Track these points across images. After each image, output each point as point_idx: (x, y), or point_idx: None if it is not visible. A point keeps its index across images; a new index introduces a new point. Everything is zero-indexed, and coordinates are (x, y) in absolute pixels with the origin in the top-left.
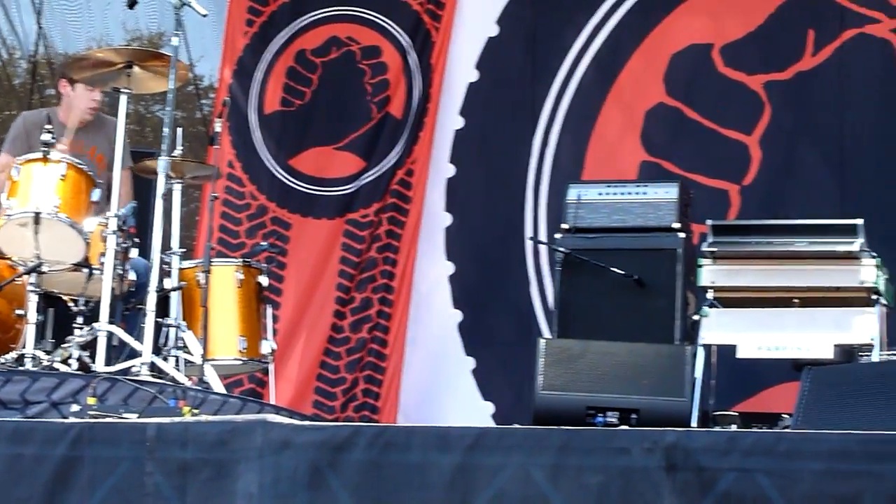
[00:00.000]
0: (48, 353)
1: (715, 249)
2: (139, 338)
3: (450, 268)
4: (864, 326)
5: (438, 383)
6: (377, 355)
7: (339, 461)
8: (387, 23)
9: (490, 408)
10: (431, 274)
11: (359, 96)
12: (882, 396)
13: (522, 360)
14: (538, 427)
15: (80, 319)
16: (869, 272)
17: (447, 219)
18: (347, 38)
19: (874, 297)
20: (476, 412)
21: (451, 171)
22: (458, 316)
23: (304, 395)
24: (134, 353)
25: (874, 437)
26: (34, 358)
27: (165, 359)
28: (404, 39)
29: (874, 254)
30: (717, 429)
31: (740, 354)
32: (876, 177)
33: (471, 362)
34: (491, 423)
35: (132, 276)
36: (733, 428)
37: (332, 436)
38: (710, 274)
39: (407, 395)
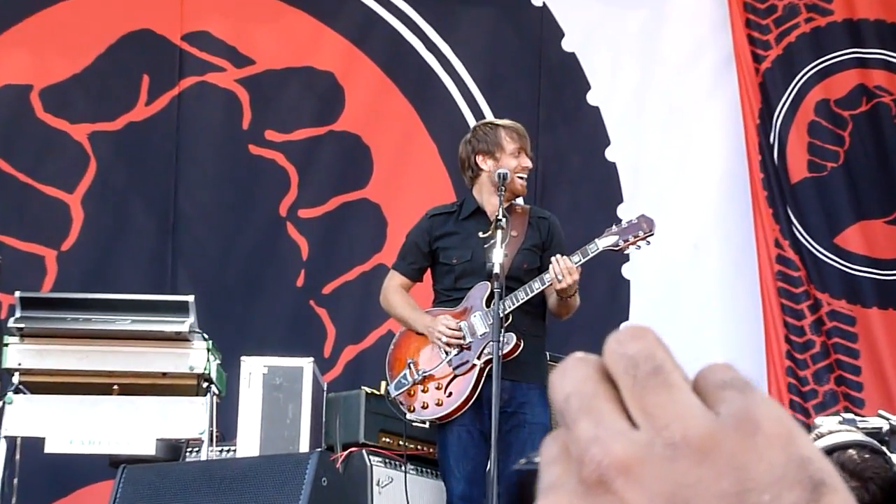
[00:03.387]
0: None
1: (23, 325)
2: None
3: None
4: (192, 418)
5: None
6: None
7: None
8: None
9: None
10: None
11: None
12: (208, 498)
13: None
14: None
15: None
16: (199, 357)
17: None
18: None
19: (205, 384)
20: None
21: None
22: None
23: None
24: None
25: None
26: None
27: None
28: None
29: (206, 335)
30: None
31: (49, 448)
32: (211, 243)
33: None
34: None
35: None
36: None
37: None
38: (17, 354)
39: None
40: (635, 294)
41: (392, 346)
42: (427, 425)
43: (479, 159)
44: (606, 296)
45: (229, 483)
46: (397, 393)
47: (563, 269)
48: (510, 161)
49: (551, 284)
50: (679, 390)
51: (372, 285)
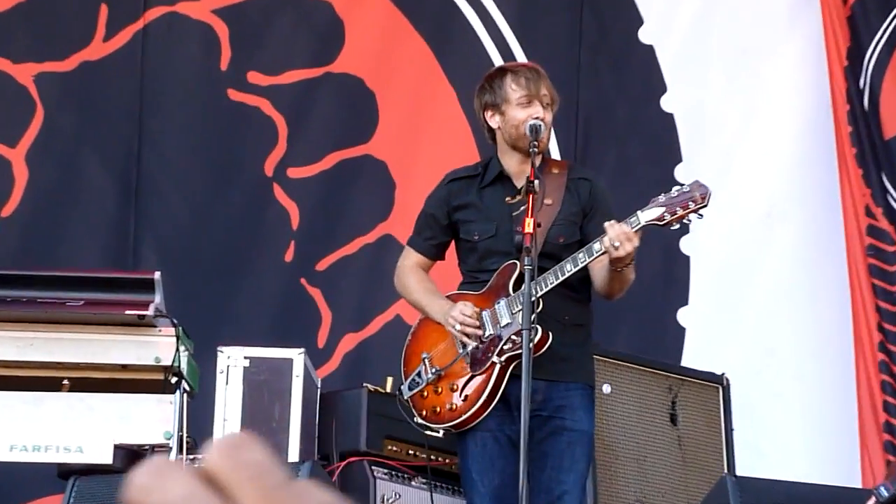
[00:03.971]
0: None
1: None
2: None
3: None
4: (157, 420)
5: None
6: None
7: None
8: None
9: None
10: None
11: None
12: None
13: None
14: None
15: None
16: (167, 346)
17: None
18: None
19: (174, 379)
20: None
21: None
22: None
23: None
24: None
25: None
26: None
27: None
28: None
29: (175, 320)
30: None
31: None
32: (182, 209)
33: None
34: None
35: None
36: None
37: None
38: None
39: None
40: (696, 274)
41: (409, 338)
42: (441, 434)
43: (488, 115)
44: (660, 276)
45: None
46: (411, 394)
47: (621, 234)
48: (517, 113)
49: (599, 256)
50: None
51: (376, 261)
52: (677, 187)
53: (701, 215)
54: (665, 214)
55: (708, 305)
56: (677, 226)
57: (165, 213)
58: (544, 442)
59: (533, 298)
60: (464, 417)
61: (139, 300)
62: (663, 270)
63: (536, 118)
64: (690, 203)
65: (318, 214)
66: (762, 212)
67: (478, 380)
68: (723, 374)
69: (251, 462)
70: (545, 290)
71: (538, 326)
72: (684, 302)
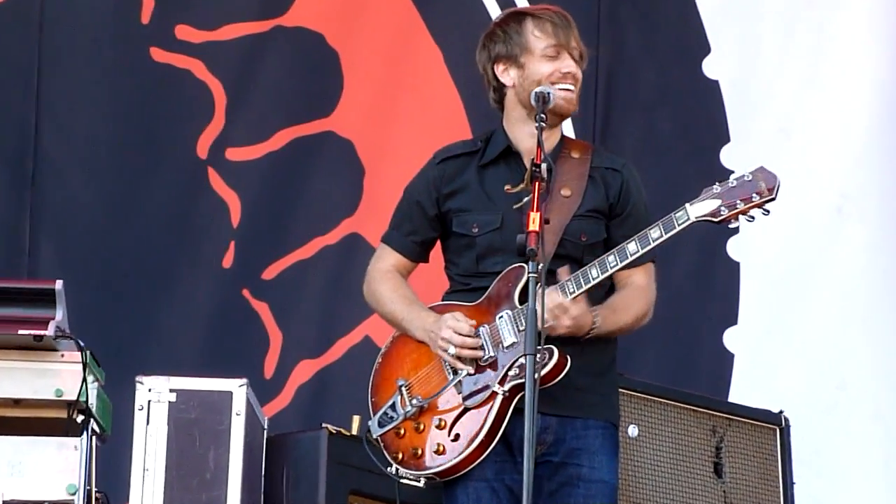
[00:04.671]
0: None
1: None
2: None
3: None
4: (58, 471)
5: None
6: None
7: None
8: None
9: None
10: None
11: None
12: None
13: None
14: None
15: None
16: (71, 376)
17: None
18: None
19: (80, 418)
20: None
21: None
22: None
23: None
24: None
25: None
26: None
27: None
28: None
29: (81, 342)
30: None
31: None
32: (91, 202)
33: None
34: None
35: None
36: None
37: None
38: None
39: None
40: (747, 285)
41: (379, 361)
42: (422, 483)
43: (500, 70)
44: (701, 288)
45: None
46: (382, 431)
47: (549, 312)
48: (541, 66)
49: (625, 267)
50: None
51: (339, 267)
52: (736, 175)
53: (767, 211)
54: (722, 209)
55: (762, 325)
56: (736, 223)
57: (69, 205)
58: (556, 495)
59: (569, 299)
60: (454, 462)
61: (36, 317)
62: (705, 281)
63: (567, 73)
64: (755, 195)
65: (264, 208)
66: (830, 207)
67: (473, 415)
68: (781, 412)
69: None
70: (584, 287)
71: (554, 347)
72: (732, 321)
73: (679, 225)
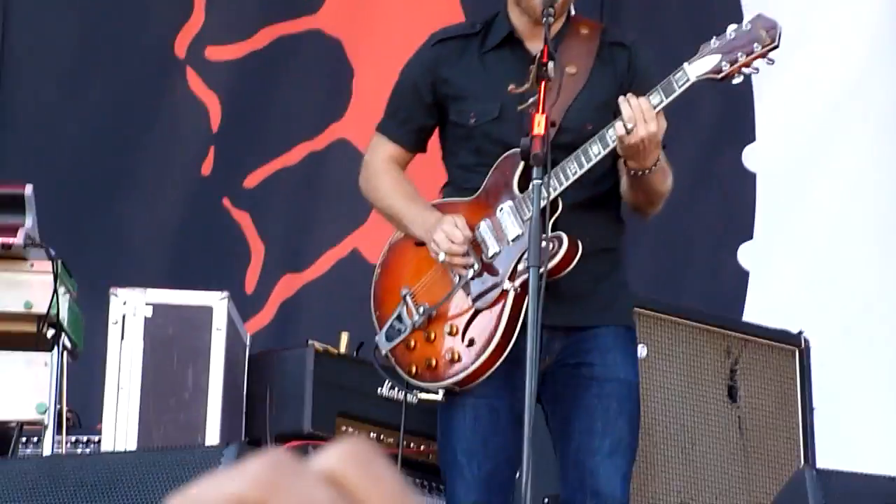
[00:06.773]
0: None
1: None
2: None
3: None
4: (28, 388)
5: None
6: None
7: None
8: None
9: None
10: None
11: None
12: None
13: None
14: None
15: None
16: (41, 287)
17: None
18: None
19: (50, 333)
20: None
21: None
22: None
23: None
24: None
25: None
26: None
27: None
28: None
29: (52, 252)
30: None
31: None
32: (59, 103)
33: None
34: None
35: None
36: None
37: None
38: None
39: None
40: (764, 197)
41: (378, 271)
42: (440, 396)
43: None
44: (712, 199)
45: (89, 492)
46: (391, 346)
47: (636, 112)
48: None
49: (619, 147)
50: None
51: (326, 175)
52: (733, 26)
53: (771, 60)
54: (723, 64)
55: (780, 240)
56: (740, 78)
57: (34, 107)
58: (564, 397)
59: (548, 202)
60: (472, 368)
61: (4, 224)
62: (716, 191)
63: None
64: (756, 45)
65: (246, 111)
66: (860, 117)
67: (485, 316)
68: (800, 332)
69: (385, 478)
70: (565, 185)
71: (563, 234)
72: (748, 235)
73: (679, 87)
